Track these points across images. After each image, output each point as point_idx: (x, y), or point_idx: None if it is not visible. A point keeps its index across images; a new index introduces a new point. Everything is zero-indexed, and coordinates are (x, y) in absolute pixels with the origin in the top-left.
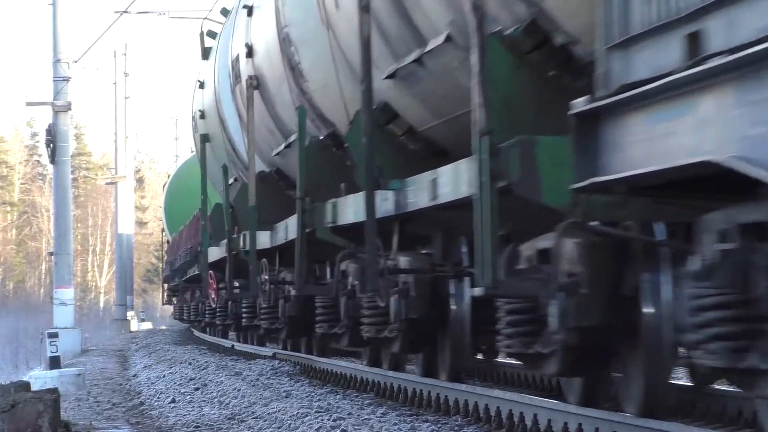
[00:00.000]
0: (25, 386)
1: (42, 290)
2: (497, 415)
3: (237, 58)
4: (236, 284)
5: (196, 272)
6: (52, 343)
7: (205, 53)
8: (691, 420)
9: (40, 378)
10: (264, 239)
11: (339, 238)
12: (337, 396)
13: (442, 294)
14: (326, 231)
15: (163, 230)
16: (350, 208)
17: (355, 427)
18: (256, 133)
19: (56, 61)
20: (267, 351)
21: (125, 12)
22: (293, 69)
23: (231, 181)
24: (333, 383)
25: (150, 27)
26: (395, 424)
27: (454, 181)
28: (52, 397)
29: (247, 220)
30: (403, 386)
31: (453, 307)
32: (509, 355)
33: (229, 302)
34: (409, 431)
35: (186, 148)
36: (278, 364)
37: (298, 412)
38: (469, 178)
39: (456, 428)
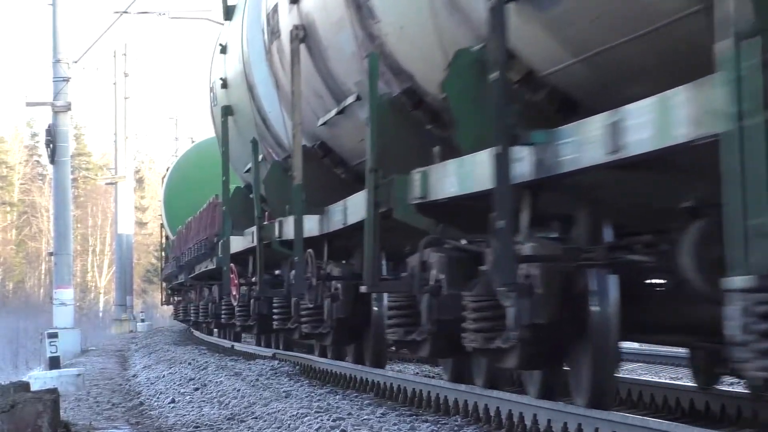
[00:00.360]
0: (25, 386)
1: (42, 290)
2: (497, 415)
3: (275, 9)
4: None
5: (209, 267)
6: (52, 344)
7: (228, 12)
8: (691, 420)
9: (39, 378)
10: (310, 225)
11: (425, 218)
12: (337, 396)
13: (578, 291)
14: (409, 210)
15: (162, 225)
16: (451, 177)
17: (355, 427)
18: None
19: (56, 62)
20: (267, 351)
21: (125, 12)
22: (359, 8)
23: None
24: (333, 383)
25: (150, 27)
26: (395, 424)
27: (659, 119)
28: (52, 397)
29: (280, 204)
30: (402, 386)
31: (594, 308)
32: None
33: (252, 301)
34: (409, 431)
35: (186, 149)
36: (278, 364)
37: (297, 413)
38: (692, 113)
39: (456, 428)
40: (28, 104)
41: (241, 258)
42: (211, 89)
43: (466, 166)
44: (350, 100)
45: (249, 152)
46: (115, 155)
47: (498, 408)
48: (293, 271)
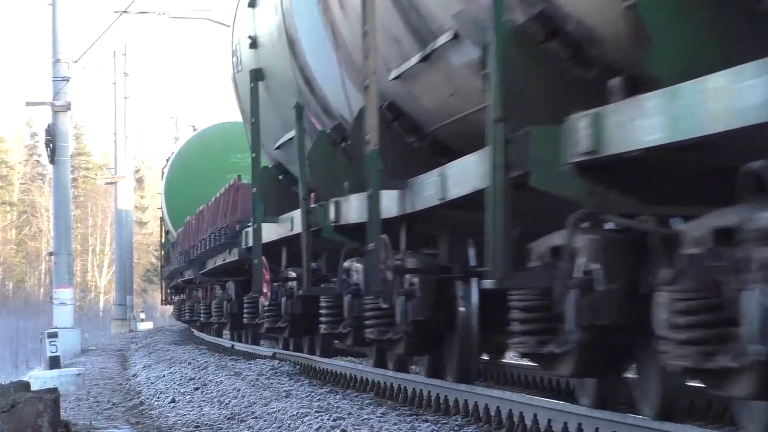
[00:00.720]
0: (25, 386)
1: (42, 290)
2: (497, 415)
3: None
4: (292, 274)
5: (227, 260)
6: (52, 343)
7: None
8: (690, 420)
9: (40, 378)
10: (386, 204)
11: (585, 184)
12: (337, 396)
13: None
14: (560, 173)
15: (162, 220)
16: (651, 119)
17: (355, 427)
18: (356, 48)
19: (56, 61)
20: (267, 351)
21: (125, 12)
22: None
23: (290, 135)
24: (333, 383)
25: (150, 27)
26: (395, 424)
27: None
28: (52, 396)
29: (328, 182)
30: (403, 386)
31: None
32: None
33: (284, 299)
34: (409, 431)
35: (188, 137)
36: (278, 363)
37: (298, 412)
38: None
39: (456, 428)
40: (28, 104)
41: (269, 250)
42: (234, 52)
43: (684, 99)
44: (443, 39)
45: (282, 123)
46: (115, 155)
47: (498, 408)
48: (348, 264)
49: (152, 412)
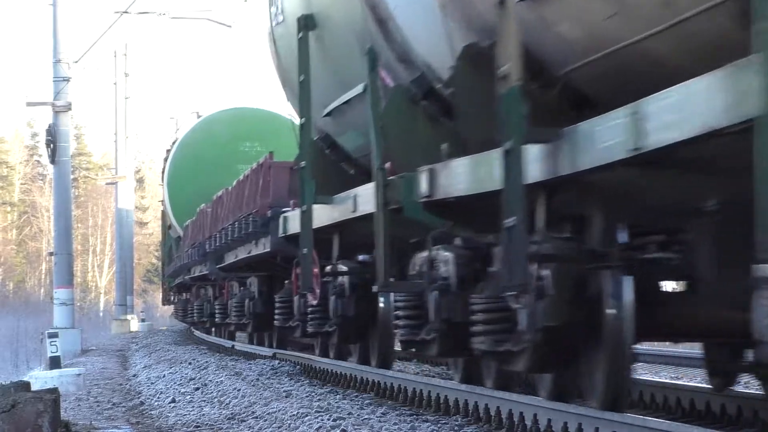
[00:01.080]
0: (25, 386)
1: (42, 290)
2: (497, 414)
3: None
4: (343, 268)
5: (252, 252)
6: (52, 343)
7: None
8: (691, 420)
9: (40, 378)
10: (531, 168)
11: None
12: (337, 396)
13: None
14: None
15: (163, 213)
16: None
17: (355, 426)
18: None
19: (56, 62)
20: (267, 351)
21: (125, 12)
22: None
23: (348, 97)
24: (333, 383)
25: (150, 27)
26: (395, 423)
27: None
28: (52, 396)
29: (407, 148)
30: (403, 386)
31: None
32: None
33: (333, 298)
34: (409, 431)
35: (193, 124)
36: (278, 364)
37: (298, 412)
38: None
39: (456, 428)
40: (29, 104)
41: (315, 238)
42: (273, 1)
43: None
44: None
45: (336, 83)
46: (116, 155)
47: (498, 408)
48: (434, 253)
49: (152, 412)
